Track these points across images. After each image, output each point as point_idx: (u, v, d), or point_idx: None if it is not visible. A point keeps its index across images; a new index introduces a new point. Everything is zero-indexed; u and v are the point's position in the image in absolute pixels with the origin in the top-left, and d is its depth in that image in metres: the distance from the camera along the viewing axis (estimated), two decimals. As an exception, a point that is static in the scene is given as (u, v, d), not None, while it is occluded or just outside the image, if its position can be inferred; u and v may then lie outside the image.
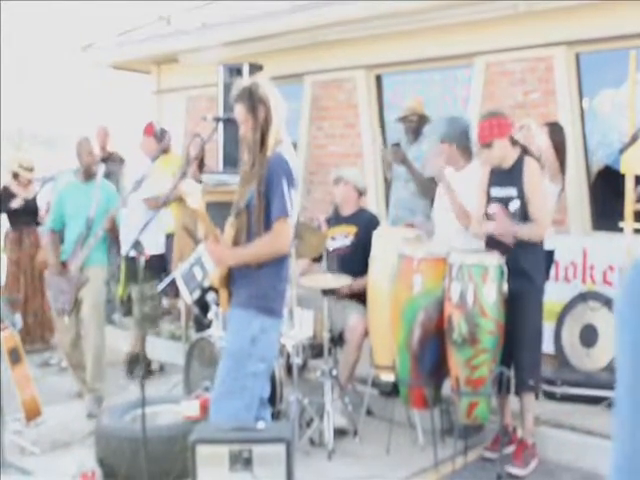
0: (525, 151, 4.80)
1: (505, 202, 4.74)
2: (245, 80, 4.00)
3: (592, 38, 6.30)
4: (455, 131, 5.43)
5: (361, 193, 5.93)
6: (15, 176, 7.53)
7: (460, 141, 5.39)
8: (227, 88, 7.56)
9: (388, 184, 6.91)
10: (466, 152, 5.41)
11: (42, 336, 7.59)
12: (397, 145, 6.34)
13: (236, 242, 3.80)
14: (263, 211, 3.72)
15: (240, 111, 3.82)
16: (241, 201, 3.80)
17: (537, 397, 4.84)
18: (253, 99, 3.77)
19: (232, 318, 3.86)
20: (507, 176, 4.74)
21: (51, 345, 7.57)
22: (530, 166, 4.71)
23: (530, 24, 6.59)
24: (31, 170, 7.58)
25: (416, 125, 6.38)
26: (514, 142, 4.80)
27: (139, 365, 6.61)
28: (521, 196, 4.67)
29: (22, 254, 7.52)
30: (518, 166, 4.71)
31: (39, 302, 7.51)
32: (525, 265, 4.67)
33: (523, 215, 4.68)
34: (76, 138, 6.12)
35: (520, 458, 4.74)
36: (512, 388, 4.78)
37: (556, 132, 5.77)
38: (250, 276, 3.76)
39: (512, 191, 4.71)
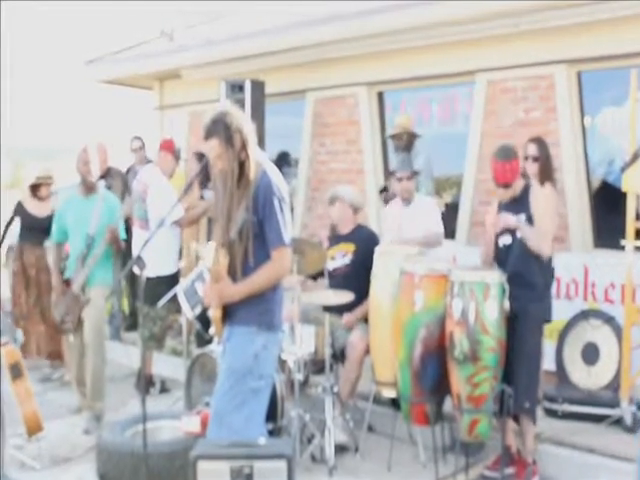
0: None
1: (513, 231, 4.79)
2: (214, 110, 3.81)
3: (594, 56, 6.32)
4: (412, 167, 5.96)
5: (357, 209, 5.94)
6: (34, 190, 7.40)
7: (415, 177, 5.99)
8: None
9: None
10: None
11: (41, 352, 7.49)
12: (385, 190, 6.65)
13: (231, 272, 3.75)
14: (257, 240, 3.69)
15: (215, 146, 3.68)
16: (230, 230, 3.73)
17: (534, 421, 4.80)
18: (229, 131, 3.67)
19: (232, 336, 3.80)
20: (515, 205, 4.84)
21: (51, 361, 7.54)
22: (535, 191, 4.88)
23: (532, 42, 6.62)
24: (49, 177, 7.34)
25: (406, 143, 6.64)
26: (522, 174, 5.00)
27: (148, 382, 6.60)
28: (530, 220, 4.76)
29: (25, 269, 7.46)
30: (525, 194, 4.84)
31: (40, 317, 7.46)
32: (524, 286, 4.70)
33: None
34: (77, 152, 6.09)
35: (521, 476, 4.74)
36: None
37: (542, 146, 5.84)
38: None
39: (521, 218, 4.78)
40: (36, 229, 7.29)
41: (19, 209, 7.40)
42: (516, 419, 4.80)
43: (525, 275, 4.73)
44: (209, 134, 3.72)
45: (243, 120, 3.76)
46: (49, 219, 7.23)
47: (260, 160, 3.78)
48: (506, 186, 4.81)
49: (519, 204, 4.82)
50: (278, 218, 3.69)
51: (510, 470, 4.81)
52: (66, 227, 5.94)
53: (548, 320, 5.09)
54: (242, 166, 3.72)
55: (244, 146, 3.71)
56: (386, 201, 6.73)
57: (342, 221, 5.91)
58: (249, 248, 3.70)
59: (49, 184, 7.37)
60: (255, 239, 3.70)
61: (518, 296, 4.63)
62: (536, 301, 4.79)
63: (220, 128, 3.68)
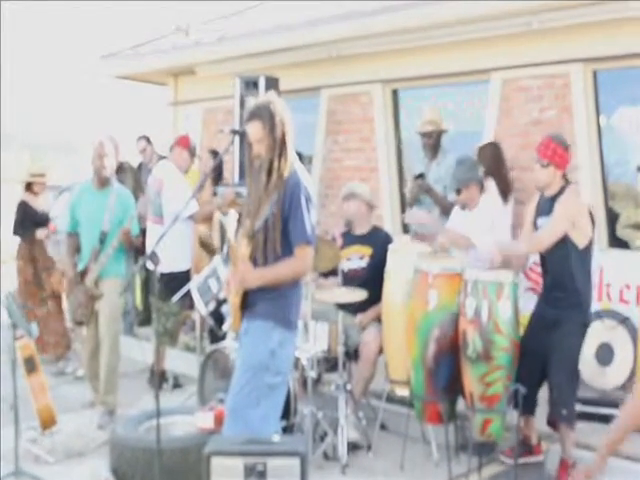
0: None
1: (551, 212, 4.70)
2: (261, 97, 3.91)
3: (610, 55, 6.28)
4: (473, 171, 5.55)
5: (371, 207, 5.91)
6: (29, 187, 7.50)
7: (479, 179, 5.54)
8: (243, 100, 7.60)
9: (404, 201, 7.02)
10: (481, 187, 5.58)
11: (48, 347, 7.53)
12: (421, 176, 6.50)
13: (252, 263, 3.78)
14: (281, 234, 3.72)
15: (257, 130, 3.75)
16: (256, 222, 3.77)
17: (573, 428, 4.71)
18: (273, 119, 3.73)
19: (250, 330, 3.82)
20: (550, 204, 4.72)
21: (57, 355, 7.56)
22: (566, 194, 4.68)
23: (547, 40, 6.59)
24: (42, 175, 7.48)
25: (435, 141, 6.53)
26: (565, 177, 4.76)
27: (161, 377, 6.61)
28: None
29: (30, 265, 7.49)
30: (559, 194, 4.69)
31: (45, 314, 7.49)
32: (563, 294, 4.64)
33: (564, 240, 4.61)
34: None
35: (564, 478, 4.68)
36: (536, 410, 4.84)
37: (492, 151, 5.79)
38: (270, 289, 3.75)
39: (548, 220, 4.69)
40: (39, 222, 7.45)
41: (22, 207, 7.47)
42: (552, 425, 4.78)
43: (566, 279, 4.62)
44: (252, 116, 3.78)
45: (287, 114, 3.82)
46: (44, 214, 7.38)
47: (292, 158, 3.82)
48: (541, 163, 4.64)
49: (552, 204, 4.68)
50: (304, 216, 3.72)
51: (525, 459, 4.86)
52: (78, 218, 5.94)
53: (587, 324, 4.78)
54: (278, 158, 3.76)
55: (283, 139, 3.76)
56: (420, 188, 6.56)
57: (357, 218, 5.86)
58: (273, 242, 3.72)
59: (42, 182, 7.49)
60: (278, 236, 3.72)
61: (559, 300, 4.61)
62: (577, 306, 4.65)
63: (265, 113, 3.75)
